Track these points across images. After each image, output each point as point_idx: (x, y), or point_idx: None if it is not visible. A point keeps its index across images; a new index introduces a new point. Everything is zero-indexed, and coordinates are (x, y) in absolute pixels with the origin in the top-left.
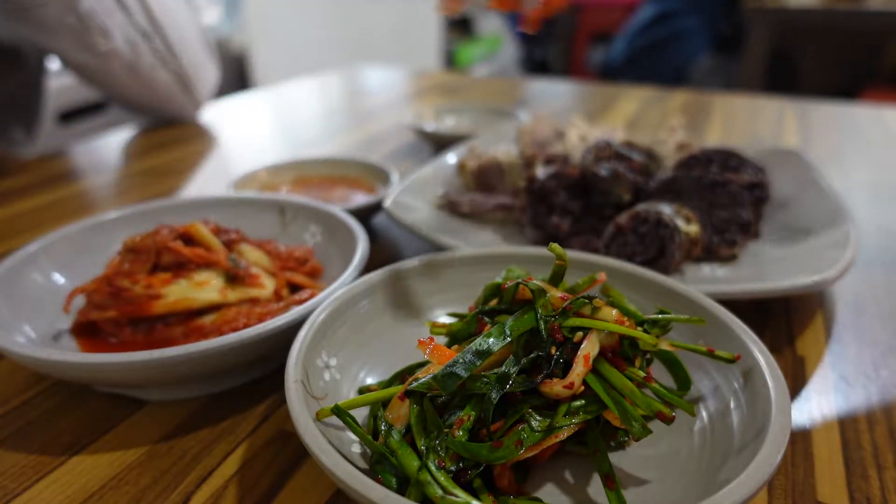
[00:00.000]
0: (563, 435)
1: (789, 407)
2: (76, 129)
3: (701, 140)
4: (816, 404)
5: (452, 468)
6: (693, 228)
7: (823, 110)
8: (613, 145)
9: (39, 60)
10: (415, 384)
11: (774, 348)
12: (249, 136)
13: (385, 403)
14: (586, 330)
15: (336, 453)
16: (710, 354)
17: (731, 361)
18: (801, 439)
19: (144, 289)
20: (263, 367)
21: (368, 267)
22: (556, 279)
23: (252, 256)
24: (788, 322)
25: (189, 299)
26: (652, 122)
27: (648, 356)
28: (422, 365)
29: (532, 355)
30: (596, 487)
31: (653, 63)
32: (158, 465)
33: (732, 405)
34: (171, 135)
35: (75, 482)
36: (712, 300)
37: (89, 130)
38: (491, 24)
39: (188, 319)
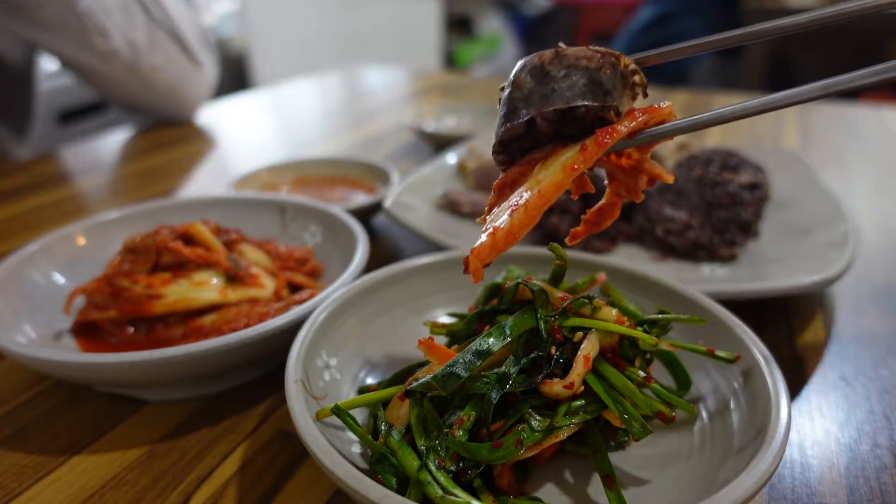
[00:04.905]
0: (563, 435)
1: (789, 407)
2: (76, 130)
3: (701, 140)
4: (816, 404)
5: (452, 468)
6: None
7: (823, 110)
8: None
9: (26, 61)
10: (415, 384)
11: (774, 348)
12: (249, 136)
13: (385, 403)
14: (586, 330)
15: (336, 453)
16: (710, 354)
17: (731, 361)
18: (801, 439)
19: (144, 289)
20: (263, 367)
21: (368, 267)
22: (556, 279)
23: (252, 256)
24: (788, 322)
25: (189, 299)
26: None
27: (648, 356)
28: (422, 365)
29: (532, 355)
30: (596, 487)
31: (652, 64)
32: (158, 465)
33: (732, 405)
34: (170, 135)
35: (75, 482)
36: (712, 300)
37: (89, 130)
38: (491, 24)
39: (188, 319)
